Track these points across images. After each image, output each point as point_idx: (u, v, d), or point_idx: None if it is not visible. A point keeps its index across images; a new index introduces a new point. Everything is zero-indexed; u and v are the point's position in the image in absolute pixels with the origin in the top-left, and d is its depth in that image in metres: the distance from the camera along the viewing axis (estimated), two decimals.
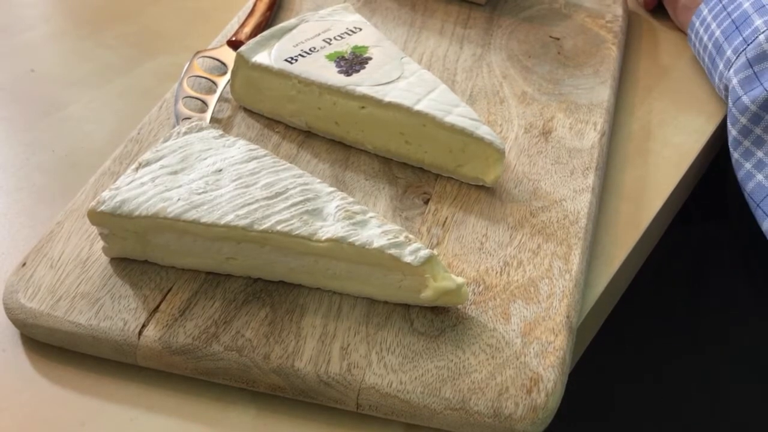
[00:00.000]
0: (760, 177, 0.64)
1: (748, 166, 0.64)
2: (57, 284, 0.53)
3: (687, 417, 0.82)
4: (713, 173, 0.75)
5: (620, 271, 0.60)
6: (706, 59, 0.73)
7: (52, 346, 0.52)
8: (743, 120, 0.64)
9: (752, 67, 0.65)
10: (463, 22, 0.79)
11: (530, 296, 0.54)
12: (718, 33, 0.70)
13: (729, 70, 0.68)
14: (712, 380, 0.83)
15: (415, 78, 0.64)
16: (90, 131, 0.68)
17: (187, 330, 0.51)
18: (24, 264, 0.55)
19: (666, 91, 0.75)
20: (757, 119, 0.64)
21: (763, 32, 0.66)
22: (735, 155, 0.66)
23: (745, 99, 0.65)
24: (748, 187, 0.64)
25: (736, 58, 0.67)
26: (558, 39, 0.77)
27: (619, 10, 0.81)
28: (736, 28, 0.68)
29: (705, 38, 0.72)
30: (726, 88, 0.69)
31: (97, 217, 0.54)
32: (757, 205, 0.63)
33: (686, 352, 0.85)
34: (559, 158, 0.64)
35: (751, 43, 0.66)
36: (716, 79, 0.71)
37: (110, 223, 0.54)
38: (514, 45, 0.76)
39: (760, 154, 0.64)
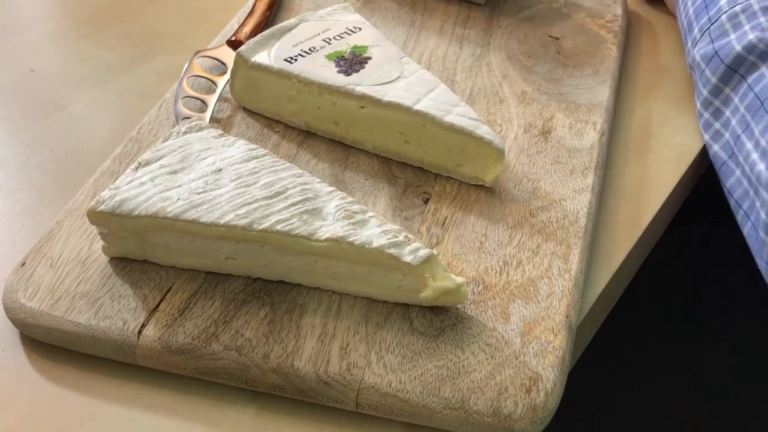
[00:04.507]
0: (716, 147, 0.66)
1: (717, 125, 0.66)
2: (56, 284, 0.53)
3: (686, 416, 0.82)
4: (713, 173, 0.75)
5: (620, 271, 0.60)
6: (683, 36, 0.74)
7: (51, 346, 0.52)
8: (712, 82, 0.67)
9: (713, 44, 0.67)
10: (463, 22, 0.79)
11: (530, 296, 0.54)
12: (690, 11, 0.71)
13: (694, 49, 0.69)
14: (711, 380, 0.83)
15: (414, 78, 0.64)
16: (90, 131, 0.68)
17: (187, 330, 0.51)
18: (24, 264, 0.55)
19: (666, 91, 0.75)
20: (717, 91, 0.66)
21: (726, 12, 0.66)
22: (705, 115, 0.68)
23: (708, 72, 0.66)
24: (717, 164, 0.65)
25: (701, 36, 0.68)
26: (558, 39, 0.77)
27: (619, 10, 0.81)
28: (705, 6, 0.69)
29: (682, 16, 0.73)
30: (690, 67, 0.70)
31: (96, 216, 0.54)
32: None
33: (686, 352, 0.85)
34: (559, 158, 0.64)
35: (714, 22, 0.66)
36: (687, 58, 0.72)
37: (110, 222, 0.54)
38: (514, 45, 0.76)
39: (717, 125, 0.66)
